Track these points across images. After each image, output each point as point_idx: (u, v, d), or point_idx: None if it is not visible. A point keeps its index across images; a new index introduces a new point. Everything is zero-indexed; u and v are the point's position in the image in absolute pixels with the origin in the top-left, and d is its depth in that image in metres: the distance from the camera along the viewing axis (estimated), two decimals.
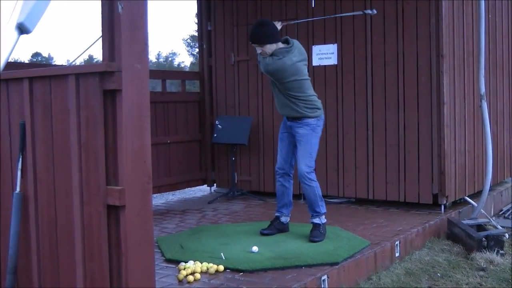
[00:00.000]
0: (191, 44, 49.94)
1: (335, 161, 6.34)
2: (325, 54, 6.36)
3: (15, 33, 2.10)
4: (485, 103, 5.58)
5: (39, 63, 41.20)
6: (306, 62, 4.69)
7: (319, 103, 4.71)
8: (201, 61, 7.52)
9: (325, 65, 6.36)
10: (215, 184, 7.42)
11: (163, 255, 4.29)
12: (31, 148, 3.10)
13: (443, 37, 5.66)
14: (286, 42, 4.61)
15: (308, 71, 4.74)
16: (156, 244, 4.56)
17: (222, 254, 4.13)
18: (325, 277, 3.79)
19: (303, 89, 4.59)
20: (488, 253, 4.72)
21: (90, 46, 3.83)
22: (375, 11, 5.23)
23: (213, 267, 3.88)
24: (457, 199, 6.03)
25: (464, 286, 4.15)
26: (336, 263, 3.98)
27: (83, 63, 24.02)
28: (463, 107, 6.11)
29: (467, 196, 6.19)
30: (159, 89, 7.00)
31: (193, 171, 7.25)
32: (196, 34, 32.37)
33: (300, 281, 3.67)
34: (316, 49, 6.40)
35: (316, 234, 4.59)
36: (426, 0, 5.74)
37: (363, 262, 4.23)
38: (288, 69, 4.48)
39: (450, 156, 5.83)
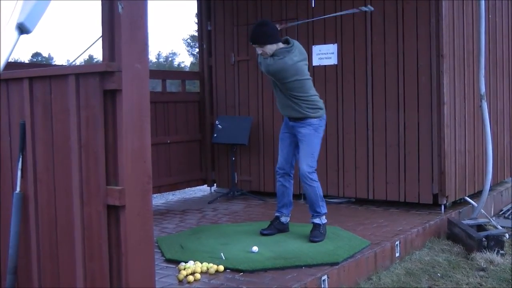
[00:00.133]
0: (191, 44, 49.94)
1: (335, 161, 6.34)
2: (325, 54, 6.36)
3: (15, 33, 2.10)
4: (485, 103, 5.58)
5: (39, 63, 41.21)
6: (307, 62, 4.68)
7: (321, 103, 4.70)
8: (201, 61, 7.52)
9: (325, 65, 6.36)
10: (215, 184, 7.43)
11: (163, 255, 4.28)
12: (31, 148, 3.10)
13: (443, 37, 5.66)
14: (286, 42, 4.60)
15: (308, 71, 4.73)
16: (156, 244, 4.56)
17: (222, 254, 4.13)
18: (325, 277, 3.79)
19: (304, 89, 4.58)
20: (488, 253, 4.72)
21: (90, 46, 3.82)
22: (371, 8, 5.24)
23: (213, 267, 3.88)
24: (457, 199, 6.03)
25: (464, 286, 4.15)
26: (336, 263, 3.97)
27: (83, 63, 24.01)
28: (463, 107, 6.11)
29: (467, 196, 6.19)
30: (159, 89, 7.00)
31: (193, 171, 7.25)
32: (196, 34, 32.46)
33: (300, 281, 3.67)
34: (316, 49, 6.40)
35: (316, 234, 4.59)
36: (426, 0, 5.74)
37: (363, 262, 4.23)
38: (289, 69, 4.48)
39: (450, 156, 5.82)
